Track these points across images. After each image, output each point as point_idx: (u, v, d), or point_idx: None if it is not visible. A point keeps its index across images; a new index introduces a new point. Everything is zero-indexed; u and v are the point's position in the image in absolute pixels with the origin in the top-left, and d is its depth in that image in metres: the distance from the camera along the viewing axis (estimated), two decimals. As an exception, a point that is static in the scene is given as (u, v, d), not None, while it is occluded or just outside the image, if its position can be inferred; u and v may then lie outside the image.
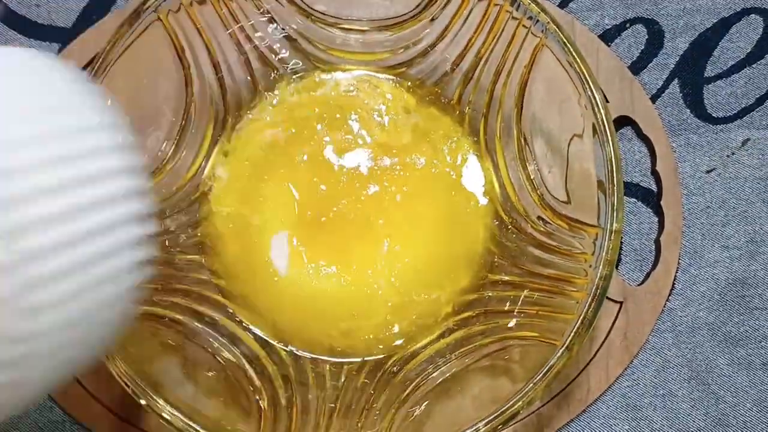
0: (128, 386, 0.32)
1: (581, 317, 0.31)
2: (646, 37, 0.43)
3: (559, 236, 0.35)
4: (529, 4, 0.33)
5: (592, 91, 0.32)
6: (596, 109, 0.32)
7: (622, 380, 0.40)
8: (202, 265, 0.39)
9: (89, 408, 0.40)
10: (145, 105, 0.37)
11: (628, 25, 0.43)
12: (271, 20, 0.38)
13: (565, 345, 0.31)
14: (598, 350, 0.40)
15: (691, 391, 0.40)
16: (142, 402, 0.32)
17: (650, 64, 0.42)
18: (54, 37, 0.43)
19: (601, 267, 0.31)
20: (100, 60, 0.33)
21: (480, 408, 0.35)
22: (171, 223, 0.38)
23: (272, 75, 0.40)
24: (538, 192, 0.36)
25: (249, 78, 0.39)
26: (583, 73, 0.32)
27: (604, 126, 0.32)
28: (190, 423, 0.31)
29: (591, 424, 0.40)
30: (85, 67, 0.41)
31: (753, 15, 0.42)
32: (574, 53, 0.32)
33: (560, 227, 0.35)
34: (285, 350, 0.38)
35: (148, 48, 0.35)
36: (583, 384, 0.39)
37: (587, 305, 0.31)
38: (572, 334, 0.31)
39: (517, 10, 0.34)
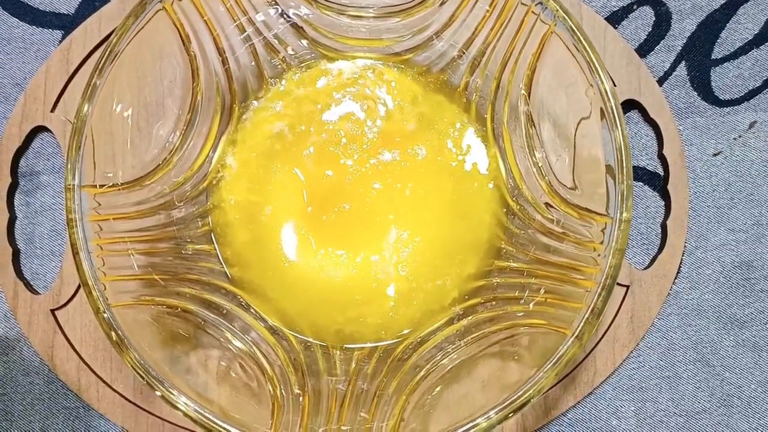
0: (143, 377, 0.32)
1: (591, 306, 0.31)
2: (654, 18, 0.42)
3: (567, 224, 0.36)
4: (538, -9, 0.33)
5: (601, 81, 0.32)
6: (605, 98, 0.32)
7: (628, 362, 0.41)
8: (211, 254, 0.39)
9: (102, 394, 0.40)
10: (150, 95, 0.36)
11: (635, 6, 0.42)
12: (277, 8, 0.37)
13: (575, 334, 0.31)
14: (604, 333, 0.40)
15: (697, 373, 0.41)
16: (158, 393, 0.32)
17: (657, 47, 0.42)
18: (56, 23, 0.42)
19: (610, 256, 0.32)
20: (107, 52, 0.32)
21: (489, 393, 0.36)
22: (179, 213, 0.38)
23: (278, 63, 0.39)
24: (546, 179, 0.37)
25: (255, 66, 0.39)
26: (592, 62, 0.32)
27: (614, 116, 0.32)
28: (205, 413, 0.32)
29: (597, 405, 0.41)
30: (89, 56, 0.41)
31: (761, -5, 0.42)
32: (583, 42, 0.32)
33: (568, 214, 0.35)
34: (295, 337, 0.39)
35: (153, 38, 0.34)
36: (589, 367, 0.40)
37: (597, 294, 0.31)
38: (582, 323, 0.31)
39: (525, -4, 0.34)
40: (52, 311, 0.40)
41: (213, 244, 0.39)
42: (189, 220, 0.39)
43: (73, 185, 0.32)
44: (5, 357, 0.41)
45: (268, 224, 0.39)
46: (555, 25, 0.33)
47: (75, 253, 0.32)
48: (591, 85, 0.33)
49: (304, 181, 0.39)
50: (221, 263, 0.39)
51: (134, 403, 0.40)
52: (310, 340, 0.39)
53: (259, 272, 0.39)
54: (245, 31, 0.37)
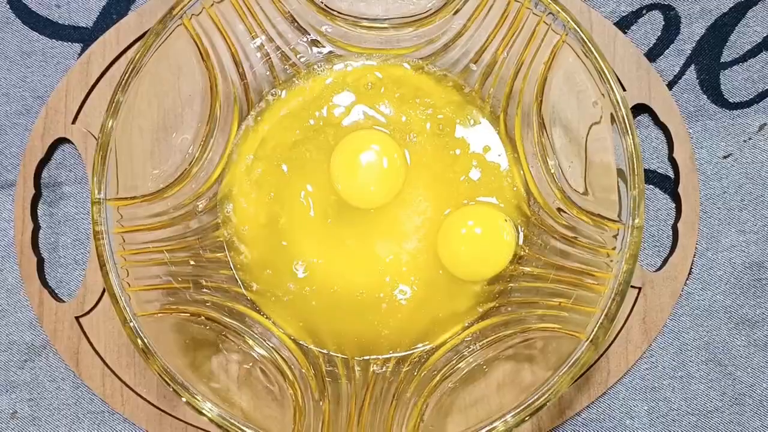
0: (169, 384, 0.33)
1: (605, 311, 0.32)
2: (663, 23, 0.43)
3: (580, 229, 0.36)
4: (549, 3, 0.33)
5: (612, 90, 0.33)
6: (617, 107, 0.33)
7: (641, 363, 0.41)
8: (227, 263, 0.40)
9: (127, 399, 0.41)
10: (170, 108, 0.37)
11: (644, 11, 0.43)
12: (292, 20, 0.38)
13: (590, 338, 0.32)
14: (617, 335, 0.41)
15: (709, 373, 0.41)
16: (183, 399, 0.33)
17: (667, 51, 0.43)
18: (75, 37, 0.43)
19: (623, 262, 0.32)
20: (131, 69, 0.33)
21: (504, 396, 0.37)
22: (197, 223, 0.39)
23: (292, 71, 0.40)
24: (558, 185, 0.37)
25: (270, 75, 0.40)
26: (603, 71, 0.33)
27: (625, 125, 0.33)
28: (229, 418, 0.33)
29: (611, 405, 0.41)
30: (108, 68, 0.42)
31: (770, -2, 0.43)
32: (594, 52, 0.33)
33: (581, 220, 0.36)
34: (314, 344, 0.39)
35: (172, 52, 0.35)
36: (603, 367, 0.41)
37: (611, 299, 0.32)
38: (596, 327, 0.32)
39: (536, 7, 0.34)
40: (77, 318, 0.41)
41: (229, 252, 0.40)
42: (206, 230, 0.40)
43: (100, 199, 0.33)
44: (32, 363, 0.42)
45: (283, 234, 0.39)
46: (566, 35, 0.34)
47: (102, 265, 0.33)
48: (602, 94, 0.33)
49: (320, 191, 0.39)
50: (237, 272, 0.40)
51: (158, 407, 0.41)
52: (329, 351, 0.39)
53: (275, 282, 0.40)
54: (263, 46, 0.38)
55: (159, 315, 0.35)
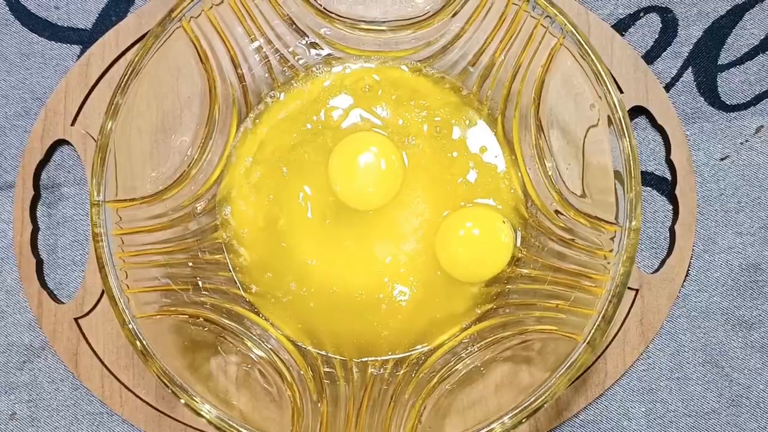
0: (167, 386, 0.33)
1: (602, 313, 0.32)
2: (660, 25, 0.43)
3: (577, 231, 0.36)
4: (546, 6, 0.33)
5: (609, 93, 0.33)
6: (614, 110, 0.33)
7: (638, 365, 0.41)
8: (226, 264, 0.40)
9: (125, 400, 0.41)
10: (168, 109, 0.37)
11: (641, 14, 0.43)
12: (291, 22, 0.38)
13: (587, 340, 0.32)
14: (614, 336, 0.41)
15: (706, 374, 0.42)
16: (182, 401, 0.33)
17: (664, 53, 0.43)
18: (74, 38, 0.43)
19: (620, 264, 0.32)
20: (130, 71, 0.33)
21: (502, 397, 0.37)
22: (195, 225, 0.39)
23: (291, 73, 0.40)
24: (556, 187, 0.37)
25: (269, 77, 0.40)
26: (600, 74, 0.33)
27: (622, 128, 0.33)
28: (228, 420, 0.33)
29: (608, 407, 0.41)
30: (107, 70, 0.42)
31: (767, 1, 0.43)
32: (592, 56, 0.33)
33: (578, 222, 0.36)
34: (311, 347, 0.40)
35: (171, 55, 0.35)
36: (600, 369, 0.41)
37: (607, 301, 0.32)
38: (593, 329, 0.32)
39: (533, 9, 0.34)
40: (76, 320, 0.41)
41: (227, 254, 0.40)
42: (205, 231, 0.40)
43: (99, 201, 0.33)
44: (31, 365, 0.42)
45: (282, 236, 0.40)
46: (564, 37, 0.34)
47: (101, 267, 0.33)
48: (600, 97, 0.33)
49: (319, 194, 0.40)
50: (236, 274, 0.40)
51: (156, 409, 0.41)
52: (327, 353, 0.39)
53: (273, 284, 0.40)
54: (262, 49, 0.38)
55: (158, 317, 0.35)
